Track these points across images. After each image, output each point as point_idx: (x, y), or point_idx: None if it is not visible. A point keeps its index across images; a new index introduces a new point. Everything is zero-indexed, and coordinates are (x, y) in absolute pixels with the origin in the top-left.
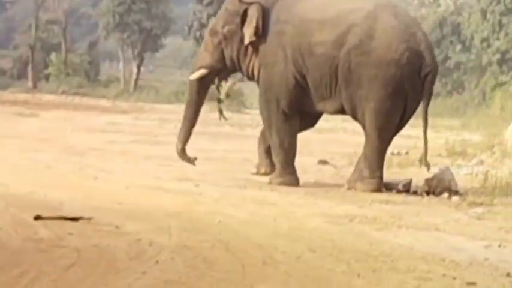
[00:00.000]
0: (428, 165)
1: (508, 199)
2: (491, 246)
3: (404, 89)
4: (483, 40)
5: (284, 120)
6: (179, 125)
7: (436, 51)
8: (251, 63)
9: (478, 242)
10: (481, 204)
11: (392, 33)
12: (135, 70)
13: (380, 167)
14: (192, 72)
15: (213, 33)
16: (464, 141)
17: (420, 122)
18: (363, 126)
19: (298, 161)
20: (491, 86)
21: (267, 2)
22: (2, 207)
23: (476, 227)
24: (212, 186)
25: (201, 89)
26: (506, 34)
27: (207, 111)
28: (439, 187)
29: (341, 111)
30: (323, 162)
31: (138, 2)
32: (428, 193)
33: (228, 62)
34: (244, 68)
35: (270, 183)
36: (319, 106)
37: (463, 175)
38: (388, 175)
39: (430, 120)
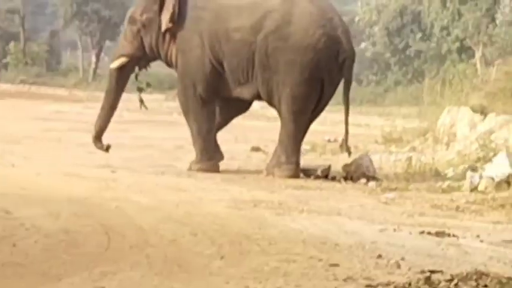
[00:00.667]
0: (349, 151)
1: (424, 184)
2: (386, 230)
3: (321, 74)
4: (443, 28)
5: (201, 105)
6: (125, 113)
7: (397, 40)
8: (169, 50)
9: (375, 226)
10: (395, 189)
11: (309, 19)
12: (93, 59)
13: (296, 152)
14: (112, 61)
15: (132, 21)
16: (405, 128)
17: (362, 109)
18: (279, 112)
19: (231, 148)
20: (450, 74)
21: None
22: None
23: (380, 212)
24: (130, 172)
25: (120, 78)
26: (464, 23)
27: (163, 99)
28: (356, 173)
29: (258, 96)
30: (256, 149)
31: None
32: (346, 179)
33: (147, 50)
34: (163, 55)
35: (189, 169)
36: (236, 92)
37: (392, 161)
38: (320, 161)
39: (387, 109)
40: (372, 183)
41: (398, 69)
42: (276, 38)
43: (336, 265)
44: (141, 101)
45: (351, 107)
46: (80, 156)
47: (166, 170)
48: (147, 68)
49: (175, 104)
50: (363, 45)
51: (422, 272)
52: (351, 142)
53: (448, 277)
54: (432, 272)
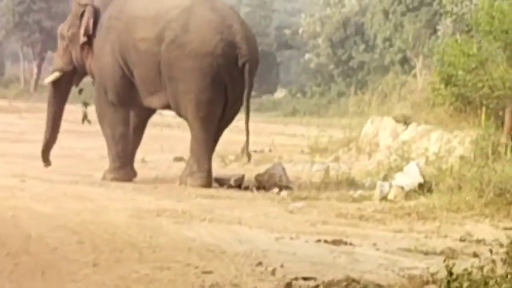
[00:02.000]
0: (249, 157)
1: (336, 193)
2: (282, 239)
3: (222, 79)
4: (385, 40)
5: (114, 112)
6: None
7: (340, 51)
8: (88, 61)
9: (273, 234)
10: (305, 198)
11: (206, 27)
12: (35, 70)
13: (208, 159)
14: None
15: (61, 36)
16: (331, 139)
17: (304, 120)
18: (187, 121)
19: (155, 157)
20: (392, 86)
21: (101, 2)
22: None
23: (283, 221)
24: (42, 182)
25: (57, 91)
26: (405, 34)
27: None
28: (269, 182)
29: (168, 106)
30: (178, 159)
31: (38, 1)
32: (259, 188)
33: (76, 64)
34: (86, 67)
35: (103, 178)
36: (147, 101)
37: (312, 171)
38: (242, 172)
39: (328, 120)
40: (283, 193)
41: (342, 81)
42: (175, 47)
43: (210, 272)
44: (85, 116)
45: (294, 118)
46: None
47: (82, 179)
48: (78, 83)
49: None
50: (306, 56)
51: (296, 278)
52: (279, 152)
53: (316, 283)
54: (305, 278)
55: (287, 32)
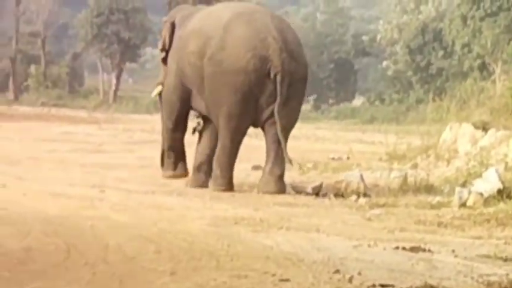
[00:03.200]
0: (290, 161)
1: (415, 200)
2: (360, 246)
3: (254, 93)
4: (464, 46)
5: (174, 129)
6: (136, 135)
7: (418, 58)
8: None
9: (350, 242)
10: (383, 205)
11: (240, 44)
12: (114, 81)
13: (230, 166)
14: None
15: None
16: (409, 145)
17: (383, 127)
18: (219, 130)
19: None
20: (471, 92)
21: (181, 18)
22: None
23: (361, 228)
24: (119, 192)
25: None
26: (484, 40)
27: None
28: (347, 189)
29: None
30: (256, 167)
31: (116, 12)
32: (336, 196)
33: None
34: None
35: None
36: (200, 107)
37: (390, 178)
38: (320, 179)
39: (408, 127)
40: (361, 200)
41: (420, 87)
42: (212, 63)
43: (287, 280)
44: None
45: (372, 125)
46: (75, 176)
47: (159, 189)
48: None
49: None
50: (384, 63)
51: (373, 286)
52: (358, 159)
53: None
54: (383, 286)
55: (364, 39)
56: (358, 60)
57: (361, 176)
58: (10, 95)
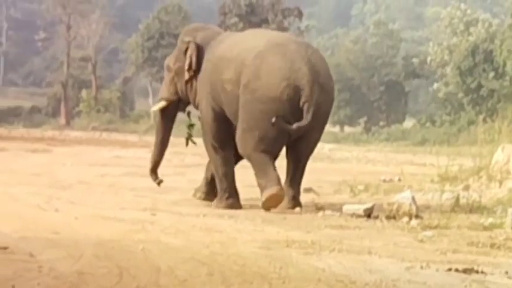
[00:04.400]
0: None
1: (467, 221)
2: (413, 268)
3: (286, 120)
4: None
5: (215, 153)
6: (188, 158)
7: (469, 79)
8: (193, 97)
9: (403, 264)
10: (435, 227)
11: (275, 73)
12: None
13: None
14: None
15: (168, 69)
16: (461, 167)
17: (434, 149)
18: (247, 155)
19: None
20: None
21: (204, 39)
22: None
23: (413, 250)
24: (171, 215)
25: (164, 118)
26: None
27: None
28: (399, 211)
29: None
30: (307, 190)
31: (167, 36)
32: (388, 217)
33: (180, 95)
34: (191, 100)
35: (214, 206)
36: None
37: (442, 199)
38: (372, 201)
39: (459, 148)
40: (413, 222)
41: (471, 109)
42: (248, 91)
43: None
44: (188, 137)
45: (423, 147)
46: (127, 200)
47: (211, 212)
48: (184, 110)
49: None
50: (435, 85)
51: None
52: (409, 181)
53: None
54: None
55: (415, 61)
56: (409, 82)
57: (413, 198)
58: (62, 119)
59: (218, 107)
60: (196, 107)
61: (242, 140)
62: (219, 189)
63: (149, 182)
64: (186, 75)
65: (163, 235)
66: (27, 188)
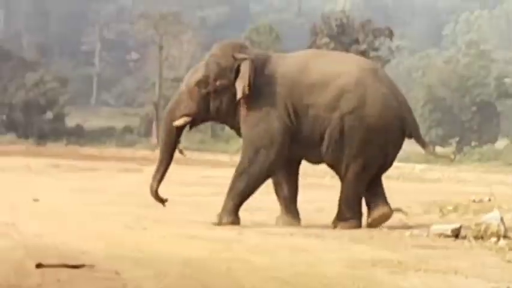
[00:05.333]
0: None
1: None
2: None
3: (388, 148)
4: None
5: (258, 173)
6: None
7: None
8: (238, 116)
9: (489, 284)
10: None
11: (382, 102)
12: None
13: (360, 206)
14: (171, 119)
15: (202, 84)
16: None
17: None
18: (344, 174)
19: None
20: None
21: (258, 58)
22: (19, 256)
23: (500, 270)
24: (258, 234)
25: (179, 134)
26: None
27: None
28: (487, 232)
29: (319, 162)
30: (396, 210)
31: None
32: (476, 238)
33: (212, 113)
34: (229, 119)
35: (218, 224)
36: (306, 158)
37: None
38: (461, 222)
39: None
40: (501, 242)
41: None
42: (353, 118)
43: None
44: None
45: None
46: (214, 219)
47: (298, 231)
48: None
49: (328, 168)
50: None
51: None
52: (499, 201)
53: None
54: None
55: (507, 81)
56: (501, 102)
57: (502, 218)
58: (153, 139)
59: (292, 129)
60: (233, 127)
61: (343, 164)
62: (232, 203)
63: None
64: (240, 94)
65: (249, 254)
66: (116, 207)
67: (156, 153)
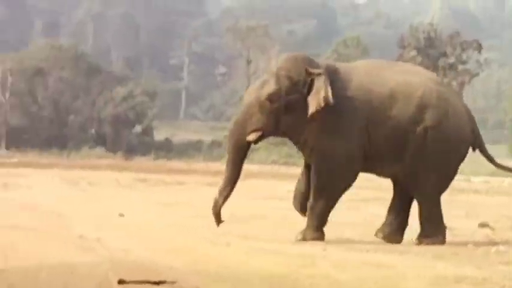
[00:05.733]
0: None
1: None
2: None
3: (462, 161)
4: None
5: (333, 187)
6: (362, 192)
7: None
8: (310, 131)
9: None
10: None
11: (462, 116)
12: None
13: (442, 222)
14: (241, 133)
15: (273, 98)
16: None
17: None
18: (418, 189)
19: (459, 224)
20: None
21: (329, 71)
22: (103, 271)
23: None
24: (341, 250)
25: (248, 149)
26: None
27: None
28: None
29: (392, 176)
30: (483, 225)
31: None
32: None
33: (282, 127)
34: (296, 135)
35: (302, 239)
36: (376, 171)
37: None
38: None
39: None
40: None
41: None
42: (436, 131)
43: None
44: None
45: None
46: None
47: (382, 247)
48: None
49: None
50: None
51: None
52: None
53: None
54: None
55: None
56: None
57: None
58: None
59: (369, 142)
60: (298, 142)
61: (423, 177)
62: (315, 221)
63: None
64: (313, 110)
65: (332, 270)
66: (201, 221)
67: (243, 168)
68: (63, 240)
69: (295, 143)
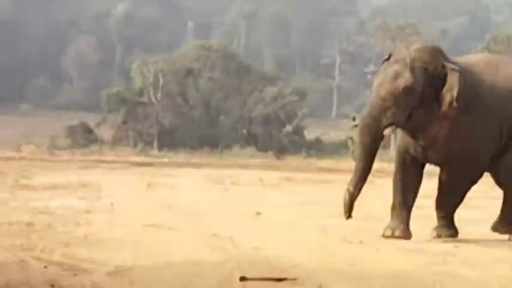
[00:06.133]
0: None
1: None
2: None
3: None
4: None
5: (464, 186)
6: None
7: None
8: (438, 128)
9: None
10: None
11: None
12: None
13: None
14: (378, 126)
15: (409, 91)
16: None
17: None
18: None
19: None
20: None
21: (465, 67)
22: (228, 269)
23: None
24: (475, 247)
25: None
26: None
27: None
28: None
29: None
30: None
31: None
32: None
33: (414, 122)
34: (425, 130)
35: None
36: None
37: None
38: None
39: None
40: None
41: None
42: None
43: None
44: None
45: None
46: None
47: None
48: None
49: None
50: None
51: None
52: None
53: None
54: None
55: None
56: None
57: None
58: (391, 152)
59: (499, 144)
60: (430, 139)
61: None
62: (449, 216)
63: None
64: (446, 107)
65: (461, 267)
66: (338, 220)
67: (392, 166)
68: (195, 238)
69: (425, 140)
